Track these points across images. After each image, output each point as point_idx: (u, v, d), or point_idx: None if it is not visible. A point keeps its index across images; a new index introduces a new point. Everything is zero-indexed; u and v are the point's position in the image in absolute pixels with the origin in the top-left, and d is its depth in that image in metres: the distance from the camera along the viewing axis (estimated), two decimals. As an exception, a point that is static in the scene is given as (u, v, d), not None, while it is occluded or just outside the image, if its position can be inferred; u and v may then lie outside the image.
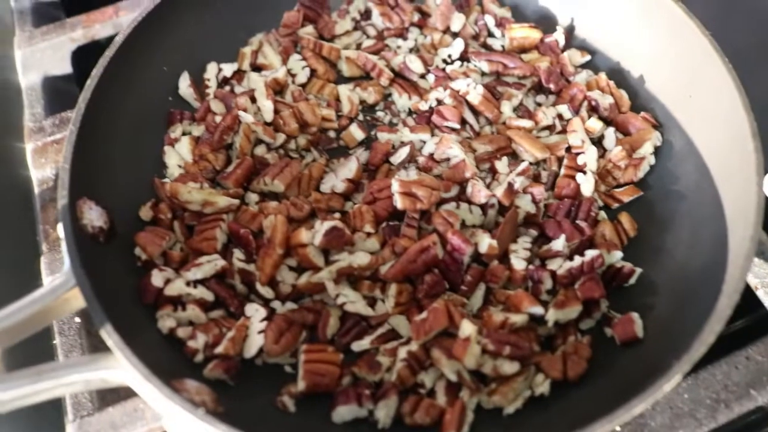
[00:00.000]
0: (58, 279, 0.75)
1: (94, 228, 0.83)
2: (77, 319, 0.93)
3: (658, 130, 0.99)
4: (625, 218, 0.94)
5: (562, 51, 1.08)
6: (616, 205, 0.96)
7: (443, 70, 1.08)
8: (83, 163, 0.84)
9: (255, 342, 0.82)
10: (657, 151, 0.99)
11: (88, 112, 0.87)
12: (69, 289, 0.75)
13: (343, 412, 0.79)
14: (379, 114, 1.07)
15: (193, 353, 0.81)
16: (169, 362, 0.79)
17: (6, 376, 0.68)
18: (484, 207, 0.92)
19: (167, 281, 0.84)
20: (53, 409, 0.88)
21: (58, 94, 1.17)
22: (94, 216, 0.84)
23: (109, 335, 0.71)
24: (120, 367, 0.71)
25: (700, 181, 0.92)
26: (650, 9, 1.00)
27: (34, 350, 0.81)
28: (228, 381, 0.81)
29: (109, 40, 1.21)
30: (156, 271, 0.85)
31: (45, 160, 1.07)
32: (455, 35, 1.12)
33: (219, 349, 0.80)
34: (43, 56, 1.20)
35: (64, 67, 1.19)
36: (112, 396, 0.87)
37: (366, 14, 1.15)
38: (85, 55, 1.21)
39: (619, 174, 0.97)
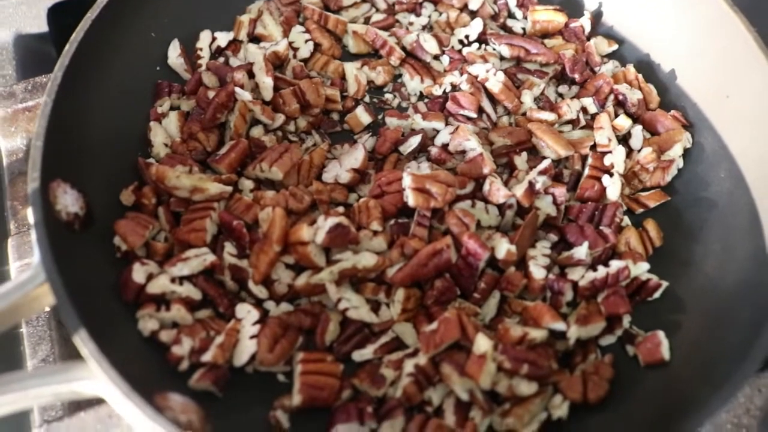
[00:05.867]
0: (26, 273, 0.67)
1: (68, 215, 0.74)
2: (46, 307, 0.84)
3: (689, 130, 0.92)
4: (651, 226, 0.87)
5: (588, 38, 1.00)
6: (640, 210, 0.90)
7: (459, 51, 0.99)
8: (58, 140, 0.75)
9: (246, 348, 0.74)
10: (686, 153, 0.92)
11: (66, 81, 0.78)
12: (39, 285, 0.67)
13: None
14: (388, 96, 0.98)
15: (177, 361, 0.72)
16: (150, 370, 0.71)
17: (-38, 387, 0.60)
18: (501, 207, 0.84)
19: (150, 277, 0.76)
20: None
21: (31, 55, 1.07)
22: (69, 201, 0.74)
23: (84, 343, 0.63)
24: (95, 378, 0.63)
25: (733, 189, 0.86)
26: (688, -3, 0.93)
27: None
28: (216, 393, 0.73)
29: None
30: (137, 264, 0.76)
31: (15, 129, 0.97)
32: (473, 14, 1.03)
33: (207, 357, 0.72)
34: (15, 12, 1.09)
35: (39, 25, 1.09)
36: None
37: (376, -15, 1.05)
38: (62, 13, 1.11)
39: (646, 177, 0.90)
